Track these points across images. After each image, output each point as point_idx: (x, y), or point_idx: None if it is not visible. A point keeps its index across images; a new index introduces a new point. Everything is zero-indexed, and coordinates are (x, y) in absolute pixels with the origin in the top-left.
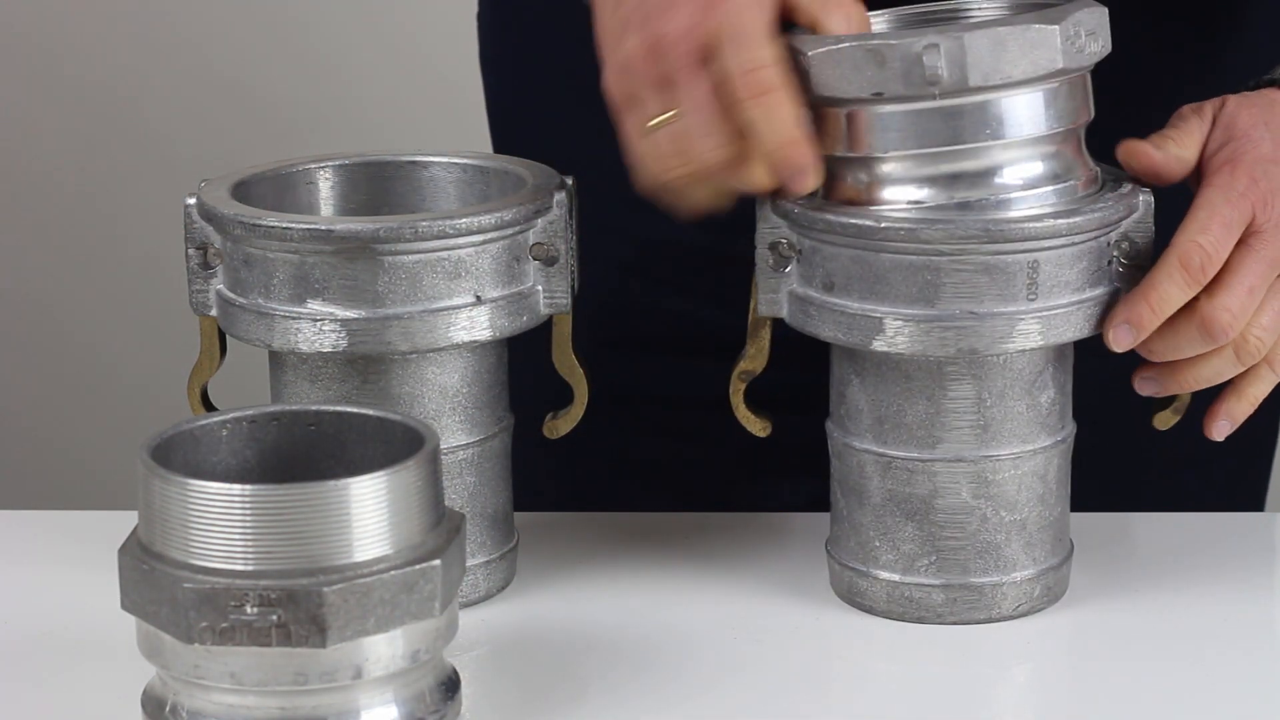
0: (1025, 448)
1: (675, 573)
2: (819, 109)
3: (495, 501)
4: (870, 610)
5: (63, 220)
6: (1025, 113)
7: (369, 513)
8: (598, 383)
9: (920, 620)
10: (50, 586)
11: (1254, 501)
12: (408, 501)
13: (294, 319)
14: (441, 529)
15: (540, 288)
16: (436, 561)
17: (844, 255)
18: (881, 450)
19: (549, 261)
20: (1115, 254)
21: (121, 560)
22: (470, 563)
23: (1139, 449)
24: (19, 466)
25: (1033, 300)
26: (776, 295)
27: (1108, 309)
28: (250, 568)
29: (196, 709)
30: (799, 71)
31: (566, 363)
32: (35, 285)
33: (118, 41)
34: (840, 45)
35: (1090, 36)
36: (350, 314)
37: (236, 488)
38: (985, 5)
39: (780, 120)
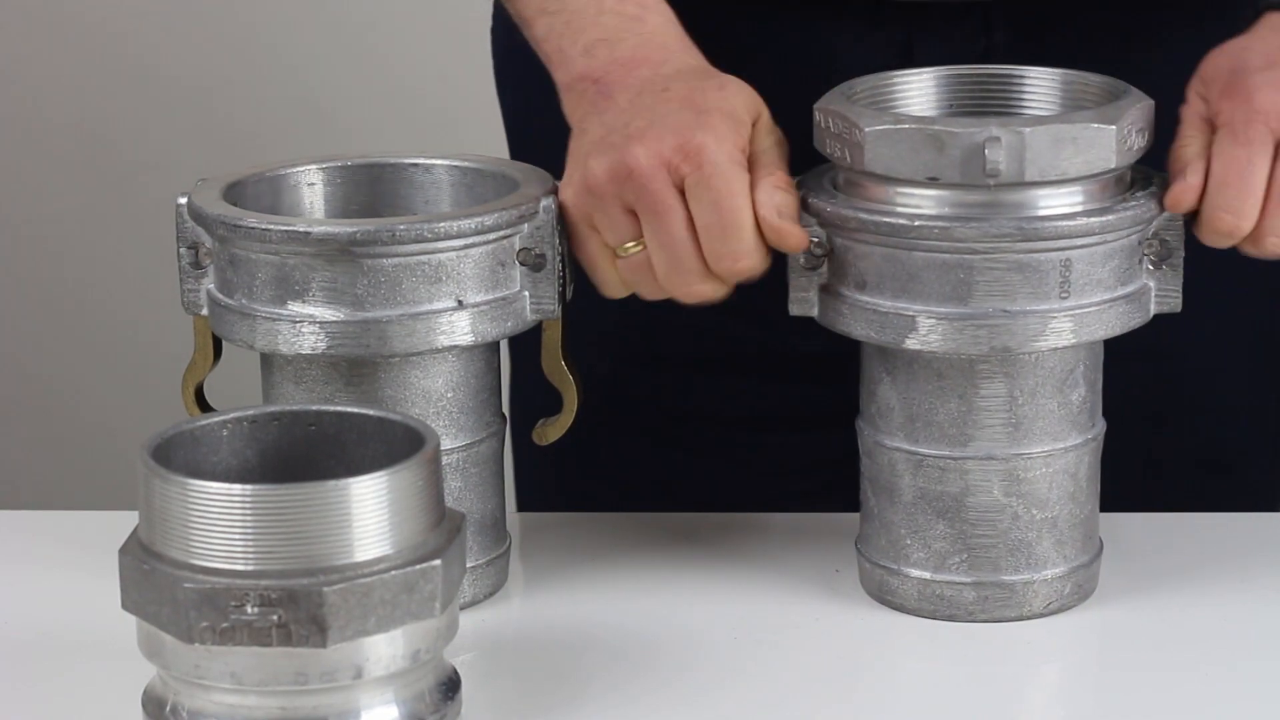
0: (1056, 445)
1: (699, 572)
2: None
3: (483, 507)
4: (901, 608)
5: (63, 219)
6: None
7: (369, 513)
8: (620, 397)
9: (951, 618)
10: (50, 586)
11: (1270, 503)
12: (408, 501)
13: (274, 320)
14: (442, 529)
15: (527, 293)
16: (437, 561)
17: (876, 254)
18: (913, 448)
19: (535, 267)
20: (1146, 253)
21: (122, 560)
22: None
23: (1158, 450)
24: (19, 466)
25: (1065, 298)
26: (808, 294)
27: (1139, 307)
28: (251, 568)
29: (197, 709)
30: (851, 144)
31: (556, 370)
32: (36, 285)
33: (120, 39)
34: (900, 126)
35: (1140, 134)
36: (330, 316)
37: (237, 488)
38: (1034, 74)
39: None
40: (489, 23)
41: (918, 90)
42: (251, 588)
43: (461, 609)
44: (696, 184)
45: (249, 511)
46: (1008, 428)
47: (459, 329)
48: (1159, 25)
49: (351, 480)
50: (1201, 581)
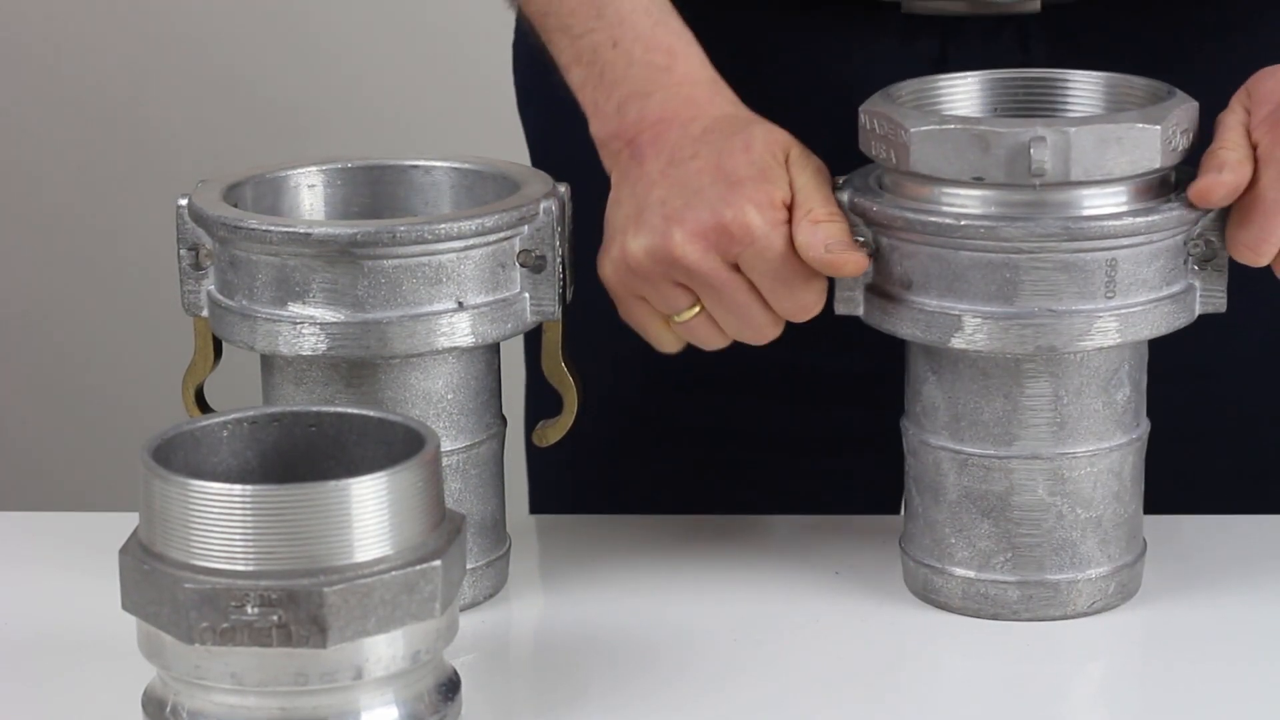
0: (1101, 445)
1: (699, 573)
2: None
3: (484, 508)
4: (945, 607)
5: (63, 220)
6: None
7: (369, 513)
8: (640, 416)
9: (995, 617)
10: (51, 587)
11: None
12: (408, 502)
13: (275, 322)
14: (442, 530)
15: (527, 295)
16: (437, 562)
17: (922, 253)
18: (958, 447)
19: (536, 268)
20: (1191, 253)
21: (122, 560)
22: None
23: (1194, 463)
24: (19, 467)
25: (1111, 298)
26: (854, 294)
27: (1184, 307)
28: (251, 568)
29: (197, 709)
30: (897, 145)
31: (556, 371)
32: (36, 285)
33: (119, 39)
34: (945, 126)
35: (1184, 135)
36: (331, 318)
37: (237, 488)
38: (1079, 76)
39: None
40: (507, 36)
41: (962, 93)
42: (251, 588)
43: (461, 610)
44: (752, 258)
45: (249, 512)
46: (1052, 427)
47: (459, 330)
48: (1197, 37)
49: (352, 481)
50: (1246, 582)
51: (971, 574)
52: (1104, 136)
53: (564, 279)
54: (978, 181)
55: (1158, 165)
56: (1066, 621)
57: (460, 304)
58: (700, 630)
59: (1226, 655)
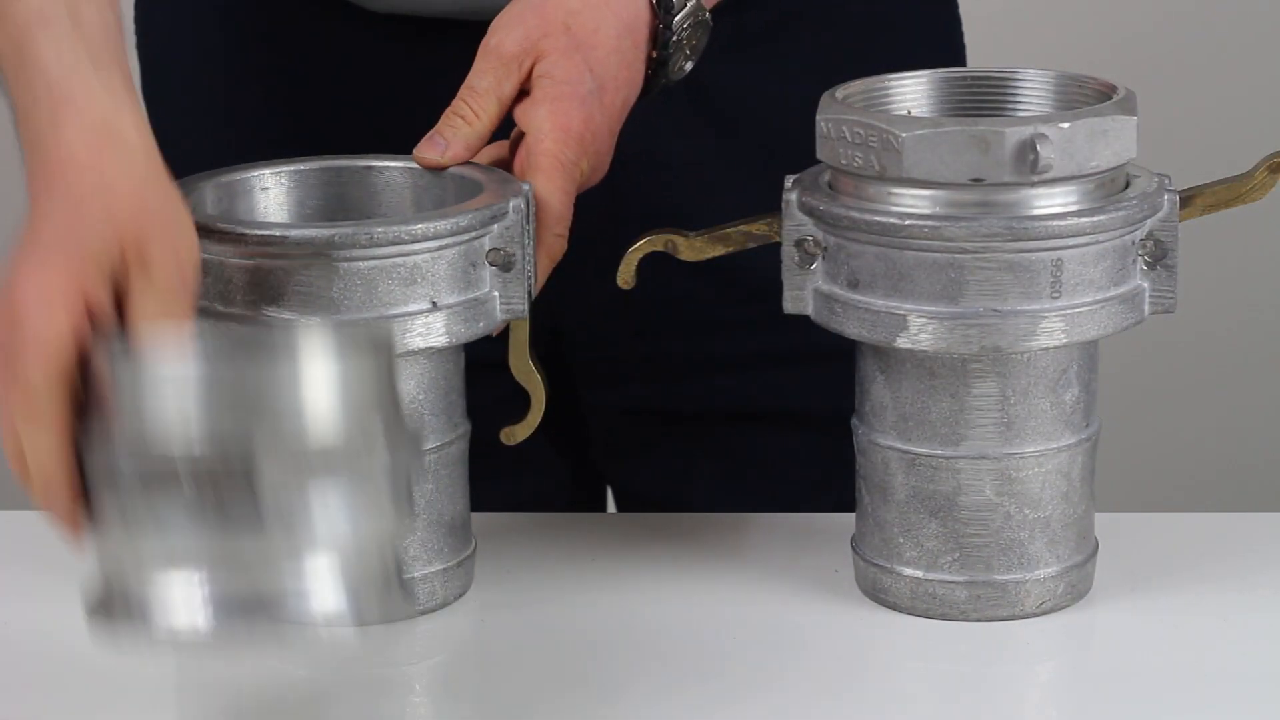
0: (1049, 445)
1: (697, 572)
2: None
3: (452, 508)
4: (894, 607)
5: None
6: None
7: (320, 398)
8: None
9: (944, 617)
10: (50, 587)
11: None
12: (360, 392)
13: (251, 325)
14: (394, 424)
15: (497, 293)
16: (381, 440)
17: (868, 252)
18: (906, 447)
19: (505, 267)
20: (1140, 253)
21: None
22: (426, 570)
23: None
24: None
25: (1056, 298)
26: (802, 292)
27: (1132, 307)
28: (194, 451)
29: (142, 596)
30: (885, 151)
31: (523, 369)
32: None
33: None
34: (941, 129)
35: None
36: (306, 320)
37: (180, 368)
38: (1030, 75)
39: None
40: None
41: (912, 92)
42: (192, 467)
43: (433, 610)
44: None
45: (194, 390)
46: (1000, 427)
47: (434, 330)
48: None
49: (300, 364)
50: (1197, 581)
51: (920, 574)
52: (1092, 129)
53: (532, 277)
54: (977, 183)
55: (1134, 156)
56: (1016, 622)
57: (434, 304)
58: (698, 629)
59: (1176, 655)
